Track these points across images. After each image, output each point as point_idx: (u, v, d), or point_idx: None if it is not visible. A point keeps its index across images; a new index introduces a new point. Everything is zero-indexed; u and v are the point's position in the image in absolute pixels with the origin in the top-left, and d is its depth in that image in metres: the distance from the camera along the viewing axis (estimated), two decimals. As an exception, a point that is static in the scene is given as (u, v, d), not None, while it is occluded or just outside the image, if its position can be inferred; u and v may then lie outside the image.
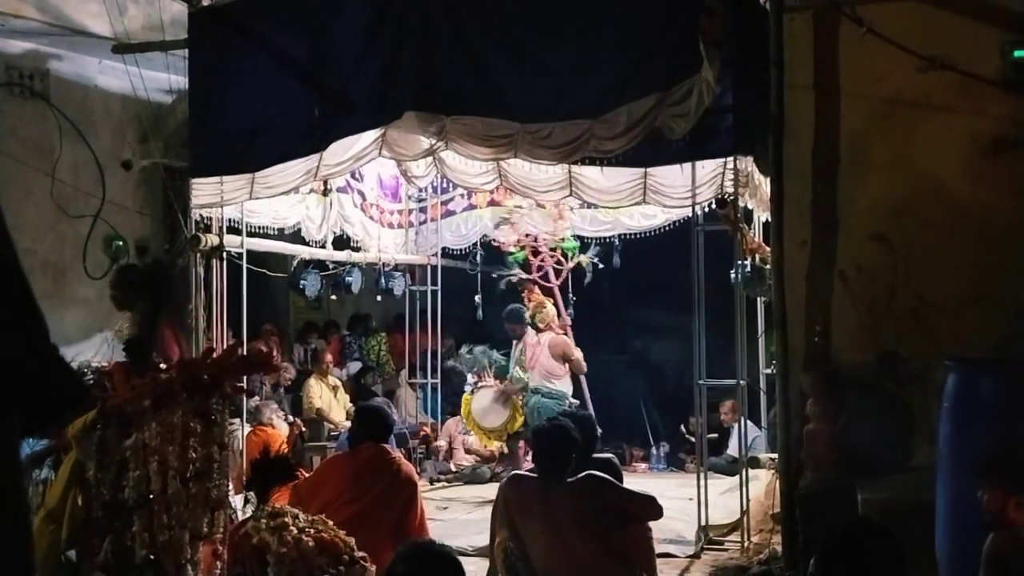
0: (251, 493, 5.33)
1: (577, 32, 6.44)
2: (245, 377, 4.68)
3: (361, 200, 9.55)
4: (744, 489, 6.95)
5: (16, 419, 1.69)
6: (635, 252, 9.88)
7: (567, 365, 9.28)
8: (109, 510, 4.03)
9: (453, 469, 10.00)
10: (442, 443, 10.26)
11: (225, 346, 6.93)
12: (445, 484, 9.71)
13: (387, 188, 10.06)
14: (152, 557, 3.97)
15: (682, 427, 11.03)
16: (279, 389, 10.02)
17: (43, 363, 1.72)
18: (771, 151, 5.93)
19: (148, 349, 4.34)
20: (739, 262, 7.07)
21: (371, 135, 6.99)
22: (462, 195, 10.30)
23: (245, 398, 7.77)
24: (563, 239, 9.92)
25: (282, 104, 7.05)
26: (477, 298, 10.72)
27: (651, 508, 4.89)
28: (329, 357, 10.58)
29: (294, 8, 7.12)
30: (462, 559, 3.40)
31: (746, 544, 6.79)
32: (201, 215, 7.55)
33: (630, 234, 9.82)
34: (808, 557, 5.55)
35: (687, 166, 6.99)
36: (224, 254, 7.59)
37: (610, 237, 10.07)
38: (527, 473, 5.20)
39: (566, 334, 9.61)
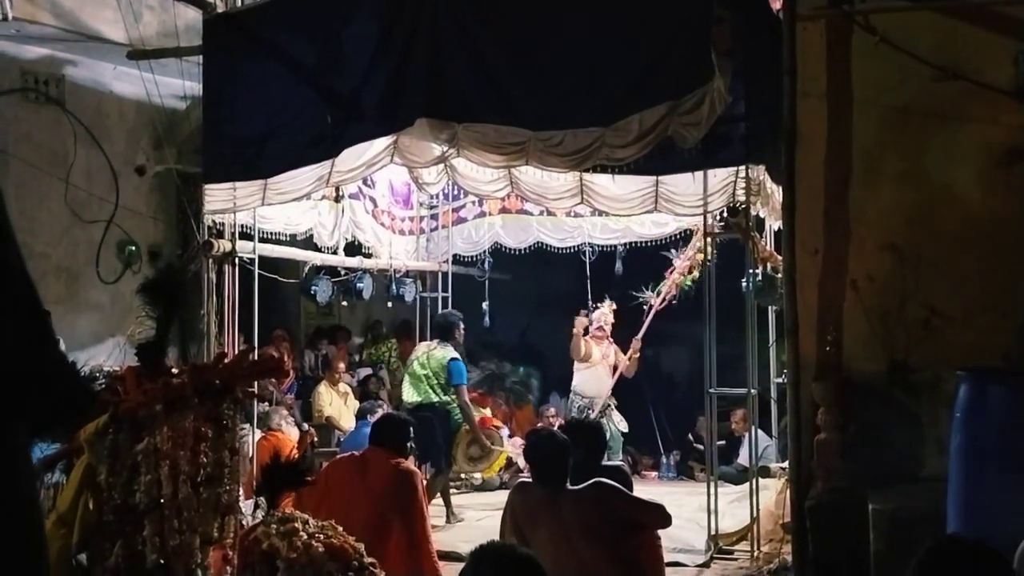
0: (261, 498, 5.35)
1: (588, 40, 6.45)
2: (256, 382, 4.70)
3: (373, 207, 9.58)
4: (754, 498, 6.94)
5: (23, 427, 1.69)
6: (645, 259, 9.86)
7: None
8: (120, 514, 4.04)
9: (463, 477, 9.99)
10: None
11: (236, 351, 6.95)
12: (455, 491, 9.70)
13: (399, 195, 10.09)
14: (163, 561, 3.98)
15: (689, 435, 11.01)
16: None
17: (48, 370, 1.73)
18: (783, 160, 5.92)
19: (161, 354, 4.35)
20: (750, 271, 7.07)
21: (383, 142, 7.00)
22: (473, 202, 10.33)
23: (256, 403, 7.79)
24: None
25: (294, 111, 7.09)
26: (485, 305, 10.72)
27: (660, 516, 4.87)
28: (341, 365, 10.61)
29: (307, 15, 7.14)
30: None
31: (756, 553, 6.78)
32: (214, 220, 7.58)
33: (641, 242, 9.84)
34: (817, 567, 5.55)
35: (699, 174, 7.00)
36: (236, 260, 7.62)
37: (614, 245, 10.08)
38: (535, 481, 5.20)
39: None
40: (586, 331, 9.64)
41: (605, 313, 9.62)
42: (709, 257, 8.79)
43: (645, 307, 9.44)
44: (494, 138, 6.63)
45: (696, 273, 8.92)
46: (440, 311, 10.38)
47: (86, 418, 3.94)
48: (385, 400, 10.31)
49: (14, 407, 1.65)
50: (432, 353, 8.63)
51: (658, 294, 9.32)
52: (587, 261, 10.51)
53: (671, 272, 9.31)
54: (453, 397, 8.49)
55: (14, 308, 1.68)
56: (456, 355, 8.62)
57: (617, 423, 9.38)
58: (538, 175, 7.78)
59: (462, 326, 8.92)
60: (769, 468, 8.16)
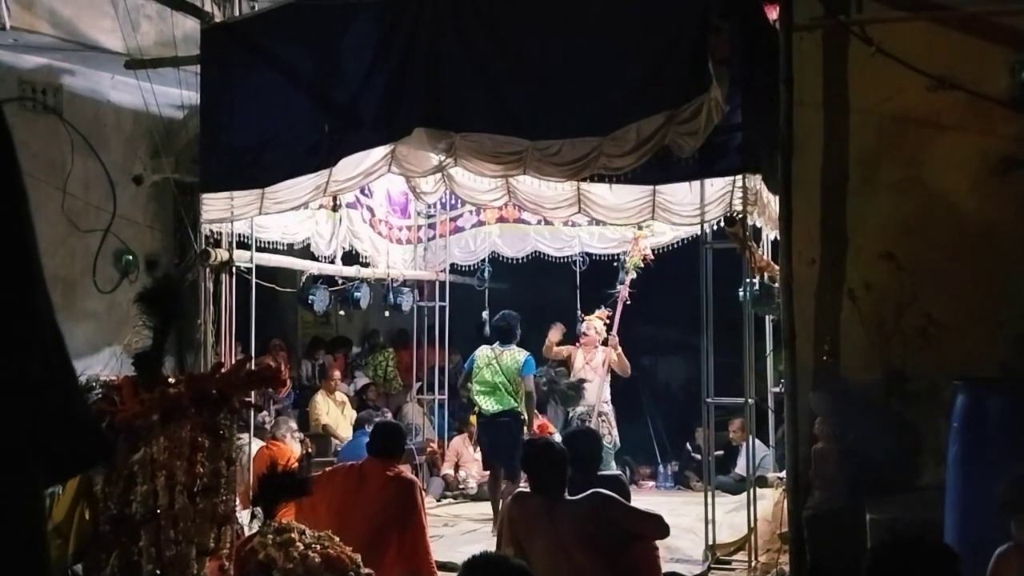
0: (258, 509, 5.33)
1: (586, 49, 6.46)
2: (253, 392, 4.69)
3: (370, 216, 9.58)
4: (752, 508, 6.93)
5: (39, 474, 1.69)
6: (643, 269, 9.85)
7: None
8: (116, 524, 4.04)
9: (460, 486, 9.99)
10: (448, 462, 10.26)
11: (233, 361, 6.94)
12: (452, 501, 9.71)
13: (396, 204, 10.09)
14: (159, 572, 3.97)
15: (688, 445, 10.99)
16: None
17: (68, 420, 1.74)
18: (780, 169, 5.93)
19: (157, 363, 4.34)
20: (747, 280, 7.07)
21: (380, 151, 7.01)
22: (471, 211, 10.33)
23: (253, 413, 7.77)
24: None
25: (292, 120, 7.09)
26: (484, 314, 10.71)
27: (657, 526, 4.86)
28: (337, 374, 10.60)
29: (304, 25, 7.15)
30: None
31: (753, 563, 6.76)
32: (211, 230, 7.57)
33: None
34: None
35: (696, 184, 6.99)
36: (233, 269, 7.62)
37: (617, 255, 10.07)
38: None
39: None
40: (576, 339, 9.64)
41: (590, 319, 9.60)
42: (644, 261, 9.13)
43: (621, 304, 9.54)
44: (492, 147, 6.64)
45: (647, 253, 9.34)
46: (439, 320, 10.38)
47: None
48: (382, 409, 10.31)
49: (32, 451, 1.65)
50: (501, 358, 8.66)
51: (621, 283, 9.41)
52: (577, 271, 10.52)
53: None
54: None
55: (44, 362, 1.69)
56: (528, 353, 8.75)
57: (605, 435, 9.23)
58: (535, 184, 7.78)
59: (519, 328, 8.91)
60: (767, 478, 8.15)
